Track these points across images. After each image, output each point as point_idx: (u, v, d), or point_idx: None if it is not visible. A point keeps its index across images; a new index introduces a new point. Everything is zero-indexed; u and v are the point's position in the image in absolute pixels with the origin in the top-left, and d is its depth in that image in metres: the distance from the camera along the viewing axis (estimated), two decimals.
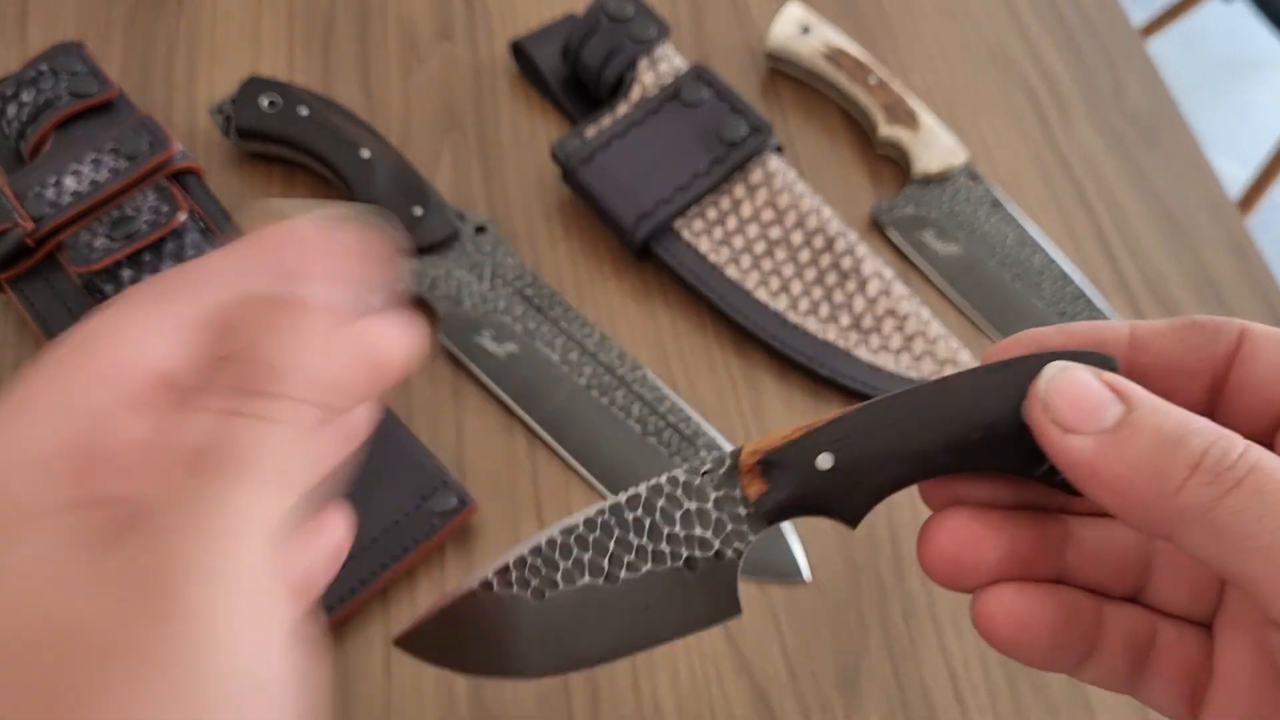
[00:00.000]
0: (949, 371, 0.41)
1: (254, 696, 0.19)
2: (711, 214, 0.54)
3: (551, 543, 0.27)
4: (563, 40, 0.58)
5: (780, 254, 0.53)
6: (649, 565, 0.26)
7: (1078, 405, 0.23)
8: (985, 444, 0.25)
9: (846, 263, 0.53)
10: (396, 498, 0.45)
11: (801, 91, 0.61)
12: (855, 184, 0.58)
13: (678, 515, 0.26)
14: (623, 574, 0.26)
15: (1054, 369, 0.24)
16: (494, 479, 0.48)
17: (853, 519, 0.26)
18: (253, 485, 0.21)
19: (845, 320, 0.52)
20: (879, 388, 0.50)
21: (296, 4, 0.62)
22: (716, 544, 0.26)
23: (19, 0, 0.61)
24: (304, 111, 0.54)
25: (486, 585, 0.27)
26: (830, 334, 0.52)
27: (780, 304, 0.52)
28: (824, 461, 0.25)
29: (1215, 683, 0.25)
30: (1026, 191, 0.59)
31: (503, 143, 0.58)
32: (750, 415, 0.51)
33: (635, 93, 0.56)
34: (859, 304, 0.52)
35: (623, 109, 0.55)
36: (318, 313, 0.23)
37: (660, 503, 0.26)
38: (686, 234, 0.53)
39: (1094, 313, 0.54)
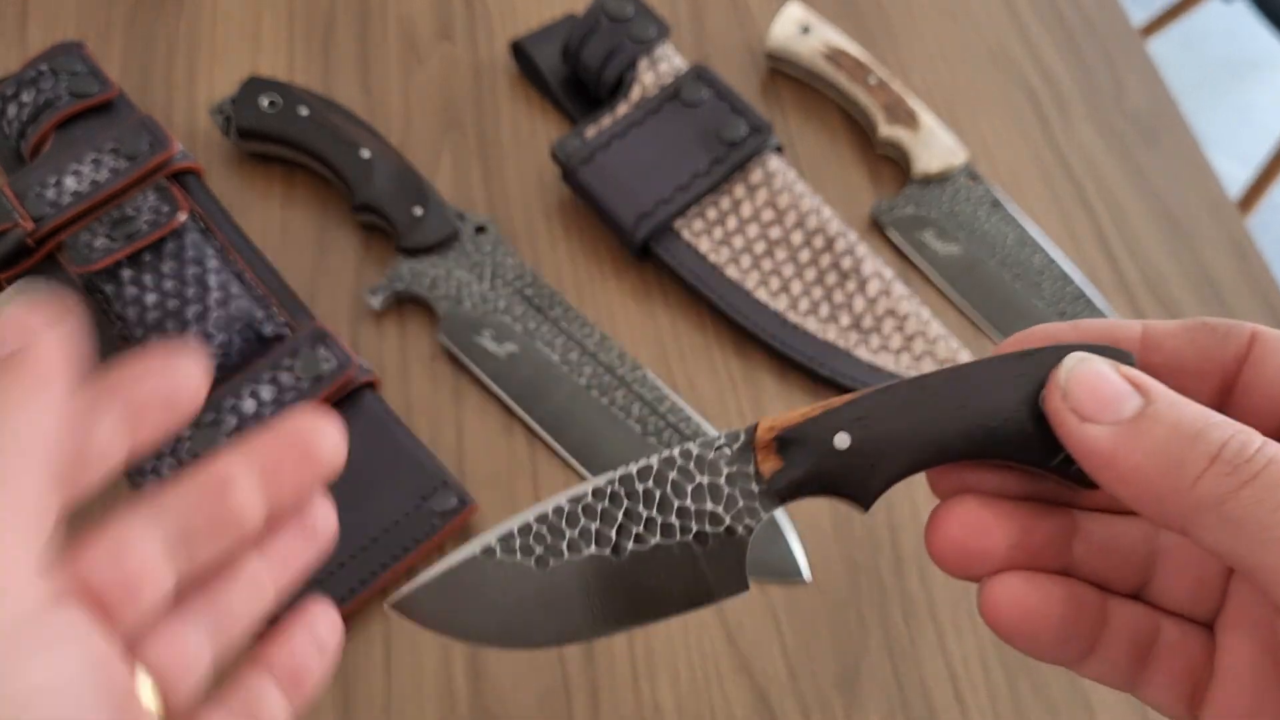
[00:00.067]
0: None
1: None
2: (711, 214, 0.54)
3: (559, 511, 0.26)
4: (563, 40, 0.58)
5: (780, 254, 0.53)
6: (657, 538, 0.26)
7: (1097, 395, 0.23)
8: (1002, 432, 0.25)
9: (846, 263, 0.53)
10: (396, 498, 0.45)
11: (801, 91, 0.61)
12: (855, 184, 0.58)
13: (689, 489, 0.26)
14: (630, 545, 0.26)
15: (1075, 359, 0.24)
16: (494, 479, 0.48)
17: (866, 501, 0.26)
18: None
19: (845, 320, 0.52)
20: None
21: (296, 4, 0.62)
22: (728, 519, 0.26)
23: (19, 0, 0.61)
24: (304, 111, 0.54)
25: (489, 551, 0.26)
26: (830, 334, 0.52)
27: (780, 304, 0.52)
28: (841, 441, 0.25)
29: (1216, 682, 0.25)
30: (1026, 191, 0.59)
31: (503, 143, 0.58)
32: (750, 415, 0.51)
33: (635, 93, 0.56)
34: (859, 304, 0.52)
35: (623, 109, 0.55)
36: None
37: (672, 475, 0.26)
38: (686, 234, 0.53)
39: (1094, 313, 0.54)
